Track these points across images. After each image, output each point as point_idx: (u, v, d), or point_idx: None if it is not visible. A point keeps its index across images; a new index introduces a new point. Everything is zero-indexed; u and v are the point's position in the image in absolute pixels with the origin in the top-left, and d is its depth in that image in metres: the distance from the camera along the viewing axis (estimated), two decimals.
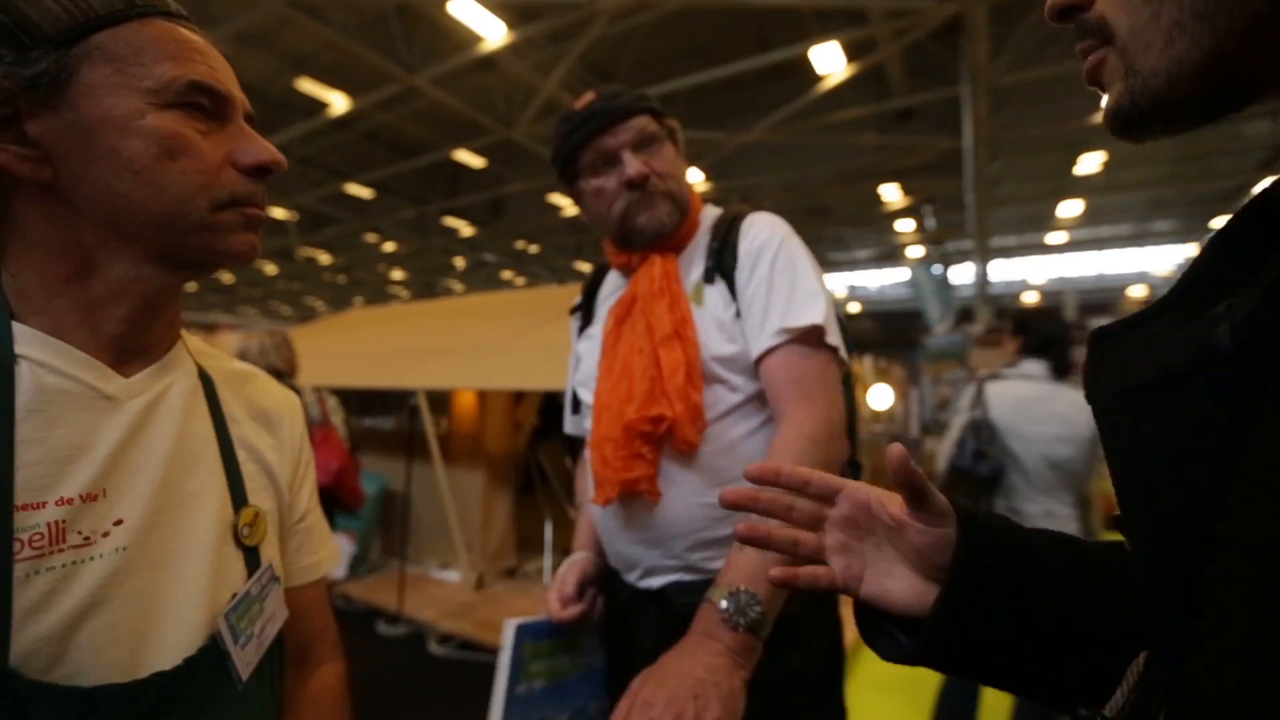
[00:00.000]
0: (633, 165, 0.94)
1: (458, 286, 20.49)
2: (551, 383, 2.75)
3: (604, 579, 1.09)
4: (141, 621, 0.45)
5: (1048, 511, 1.86)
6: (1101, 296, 17.17)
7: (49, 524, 0.42)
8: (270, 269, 18.29)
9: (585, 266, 17.68)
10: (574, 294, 1.22)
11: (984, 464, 1.94)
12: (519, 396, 3.78)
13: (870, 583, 0.45)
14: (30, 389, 0.43)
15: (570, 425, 1.22)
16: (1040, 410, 1.91)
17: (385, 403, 3.86)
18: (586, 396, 1.06)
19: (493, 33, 6.20)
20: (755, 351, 0.92)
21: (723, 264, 0.99)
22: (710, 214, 1.07)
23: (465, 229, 14.25)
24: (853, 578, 0.46)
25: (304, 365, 4.13)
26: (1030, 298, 18.54)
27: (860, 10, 6.07)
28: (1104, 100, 0.34)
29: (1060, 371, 1.95)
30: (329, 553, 0.67)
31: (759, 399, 0.95)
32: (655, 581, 0.96)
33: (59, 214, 0.45)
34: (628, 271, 1.05)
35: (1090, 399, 0.36)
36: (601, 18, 5.98)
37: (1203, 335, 0.29)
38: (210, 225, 0.48)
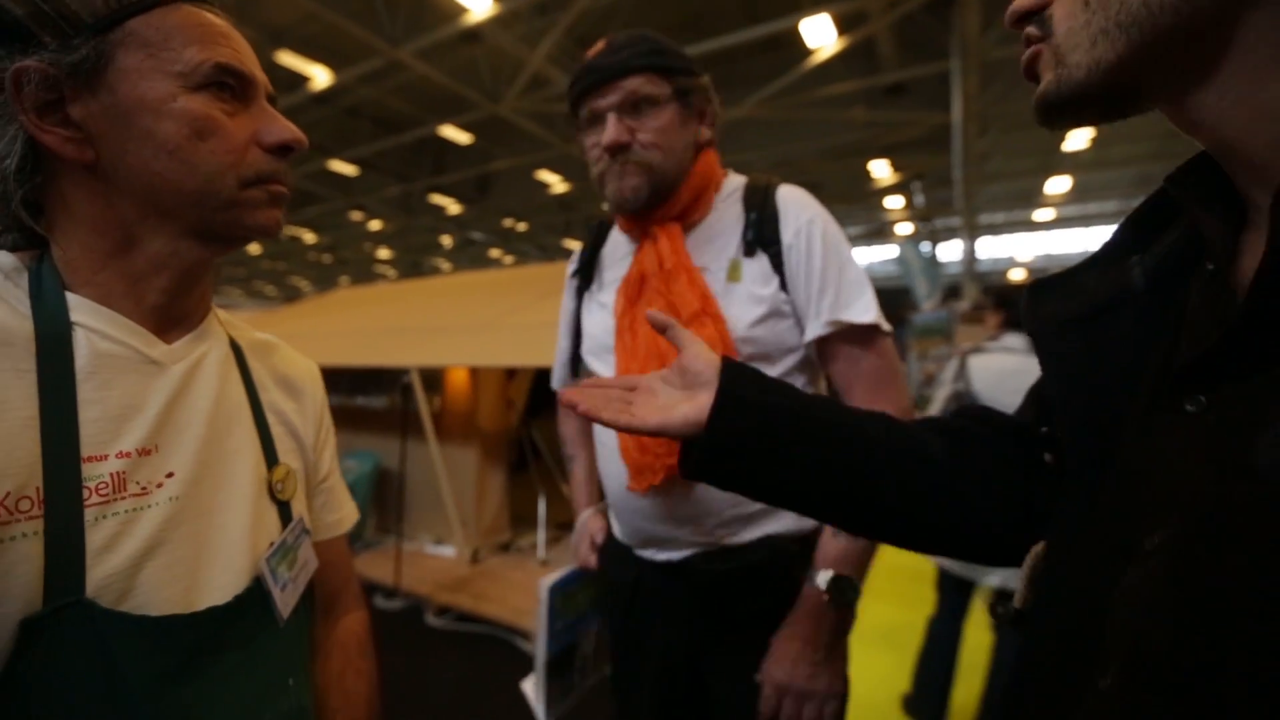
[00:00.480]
0: (609, 131, 0.91)
1: (445, 265, 20.31)
2: (544, 360, 2.76)
3: (604, 551, 1.11)
4: (194, 563, 0.49)
5: None
6: None
7: (111, 474, 0.46)
8: (254, 248, 18.01)
9: (574, 244, 17.53)
10: (564, 272, 1.20)
11: None
12: (511, 374, 3.80)
13: (658, 414, 0.56)
14: (87, 353, 0.47)
15: (562, 386, 1.19)
16: (1020, 382, 1.95)
17: (378, 381, 3.86)
18: (602, 370, 1.04)
19: (478, 4, 6.08)
20: (809, 335, 0.93)
21: (763, 236, 0.95)
22: (734, 182, 1.03)
23: (452, 207, 14.09)
24: (649, 415, 0.56)
25: (298, 344, 4.11)
26: (1018, 275, 18.68)
27: None
28: (1037, 89, 0.40)
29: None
30: (349, 511, 0.72)
31: (795, 374, 0.95)
32: (676, 555, 0.97)
33: (100, 192, 0.48)
34: (633, 237, 1.03)
35: (1030, 332, 0.45)
36: None
37: (1122, 277, 0.40)
38: (239, 201, 0.51)
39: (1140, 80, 0.35)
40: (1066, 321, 0.42)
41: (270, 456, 0.58)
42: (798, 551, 0.94)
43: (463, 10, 6.25)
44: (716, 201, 1.00)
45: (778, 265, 0.94)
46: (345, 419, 3.99)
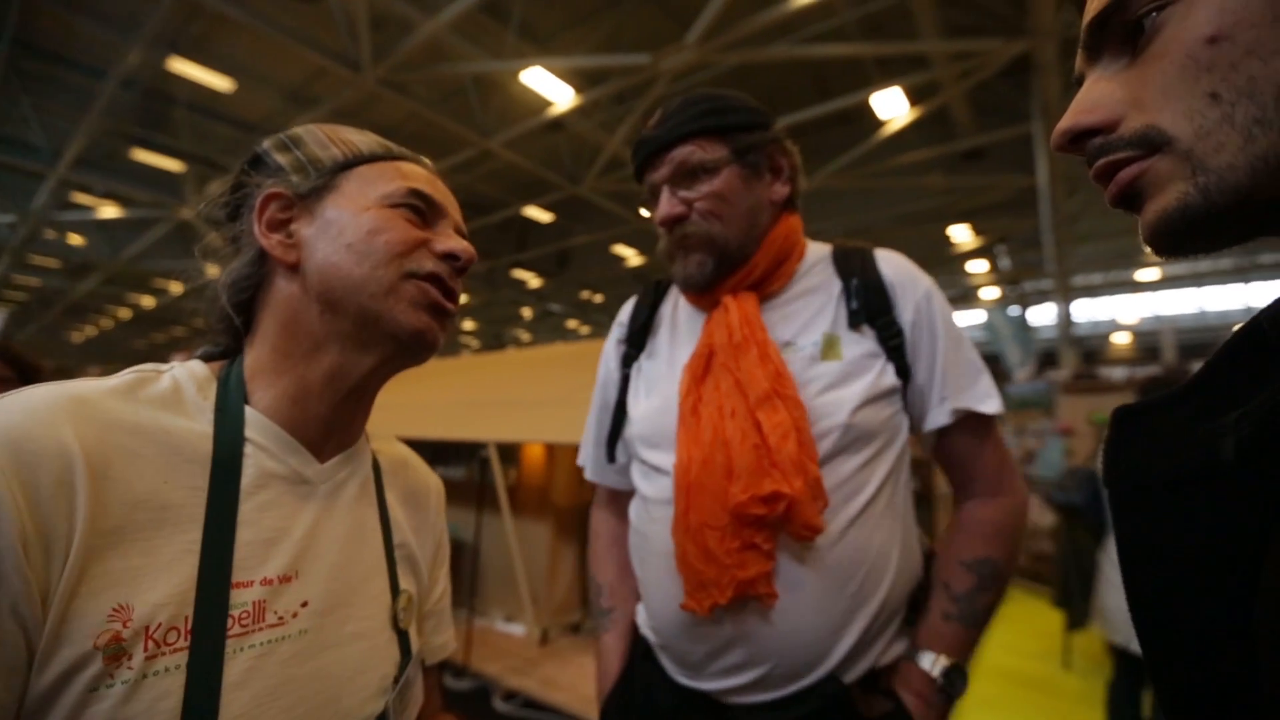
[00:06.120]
0: (660, 206, 0.86)
1: (525, 336, 21.13)
2: None
3: (632, 675, 0.92)
4: (315, 704, 0.47)
5: None
6: (1205, 336, 15.82)
7: (254, 602, 0.45)
8: None
9: None
10: None
11: (1062, 495, 2.73)
12: None
13: None
14: (253, 471, 0.48)
15: (599, 473, 1.04)
16: None
17: (456, 453, 3.98)
18: (660, 460, 0.88)
19: (561, 97, 6.56)
20: (931, 424, 0.86)
21: (870, 307, 0.86)
22: (819, 250, 0.94)
23: (533, 280, 14.79)
24: None
25: (382, 416, 4.33)
26: (1121, 338, 17.33)
27: (922, 55, 6.06)
28: (1147, 211, 0.34)
29: None
30: (452, 632, 0.70)
31: (899, 465, 0.85)
32: (742, 697, 0.80)
33: (296, 291, 0.53)
34: (701, 308, 0.93)
35: (1107, 484, 0.38)
36: (663, 78, 6.23)
37: (1211, 444, 0.33)
38: (394, 290, 0.53)
39: None
40: (1144, 486, 0.36)
41: (394, 583, 0.57)
42: (860, 694, 0.80)
43: (547, 104, 6.75)
44: (800, 270, 0.91)
45: (889, 342, 0.85)
46: None
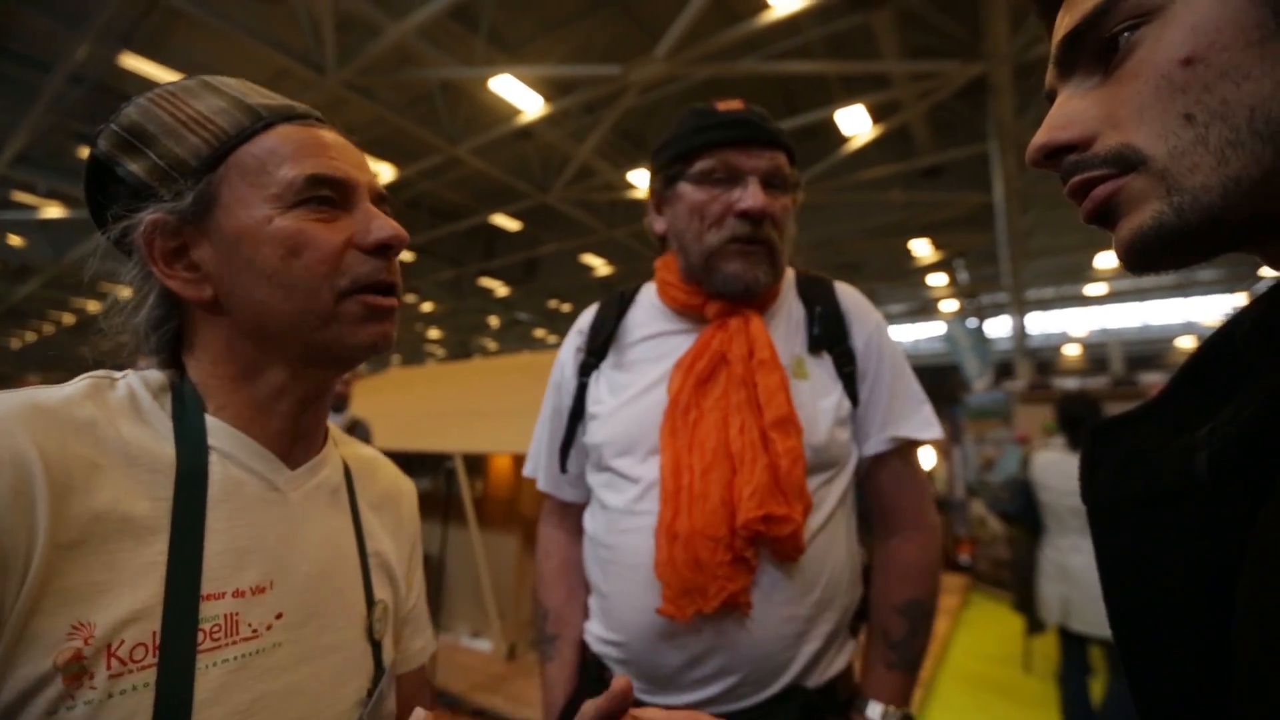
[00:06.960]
0: (757, 195, 0.81)
1: (491, 345, 20.89)
2: None
3: (582, 700, 0.88)
4: (290, 717, 0.45)
5: (1074, 546, 2.48)
6: (1148, 348, 16.60)
7: (225, 615, 0.43)
8: None
9: None
10: None
11: (1000, 504, 2.97)
12: None
13: None
14: (220, 480, 0.46)
15: (553, 484, 0.99)
16: (1060, 471, 2.54)
17: (422, 464, 3.89)
18: (628, 465, 0.86)
19: (530, 105, 6.53)
20: (868, 450, 0.90)
21: (829, 335, 0.89)
22: (785, 274, 0.95)
23: (500, 289, 14.65)
24: None
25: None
26: (1072, 350, 18.03)
27: (884, 74, 6.23)
28: (1122, 228, 0.34)
29: (1074, 445, 2.54)
30: (431, 634, 0.67)
31: (850, 489, 0.89)
32: (711, 709, 0.79)
33: (222, 326, 0.49)
34: (695, 317, 0.90)
35: (1085, 500, 0.38)
36: (633, 89, 6.26)
37: (1185, 460, 0.33)
38: (336, 316, 0.48)
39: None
40: (1121, 503, 0.36)
41: (369, 593, 0.55)
42: (822, 703, 0.81)
43: (516, 111, 6.71)
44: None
45: (843, 369, 0.89)
46: None
